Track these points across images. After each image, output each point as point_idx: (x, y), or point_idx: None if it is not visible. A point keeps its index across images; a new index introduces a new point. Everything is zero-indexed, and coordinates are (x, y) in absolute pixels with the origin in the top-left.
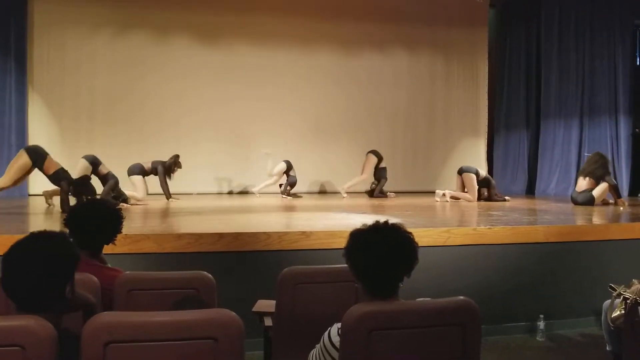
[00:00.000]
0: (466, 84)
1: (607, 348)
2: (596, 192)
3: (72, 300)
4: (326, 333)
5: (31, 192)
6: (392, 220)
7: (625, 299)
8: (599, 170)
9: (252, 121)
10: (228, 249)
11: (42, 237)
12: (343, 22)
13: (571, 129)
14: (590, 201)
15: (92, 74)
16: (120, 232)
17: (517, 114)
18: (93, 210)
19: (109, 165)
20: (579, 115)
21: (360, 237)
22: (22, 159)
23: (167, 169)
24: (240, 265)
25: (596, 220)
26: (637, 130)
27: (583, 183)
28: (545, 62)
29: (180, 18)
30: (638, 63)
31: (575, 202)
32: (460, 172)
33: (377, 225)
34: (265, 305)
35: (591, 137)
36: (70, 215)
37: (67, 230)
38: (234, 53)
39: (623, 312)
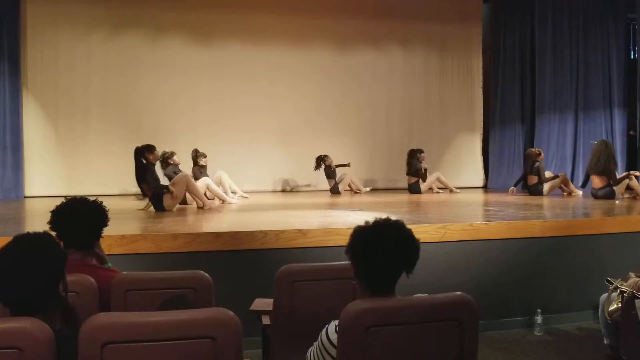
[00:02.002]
0: (461, 80)
1: (605, 341)
2: (617, 186)
3: (65, 300)
4: (324, 330)
5: (27, 194)
6: (392, 217)
7: (622, 292)
8: (608, 165)
9: (249, 118)
10: (225, 248)
11: (25, 240)
12: (337, 19)
13: (566, 123)
14: (611, 195)
15: (86, 75)
16: (107, 225)
17: (512, 108)
18: (75, 209)
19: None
20: (573, 109)
21: (363, 234)
22: None
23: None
24: (237, 264)
25: (592, 214)
26: (631, 132)
27: (597, 180)
28: (539, 57)
29: (174, 17)
30: (632, 57)
31: (596, 197)
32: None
33: (380, 222)
34: (263, 303)
35: (586, 131)
36: (54, 219)
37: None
38: (228, 50)
39: (620, 305)
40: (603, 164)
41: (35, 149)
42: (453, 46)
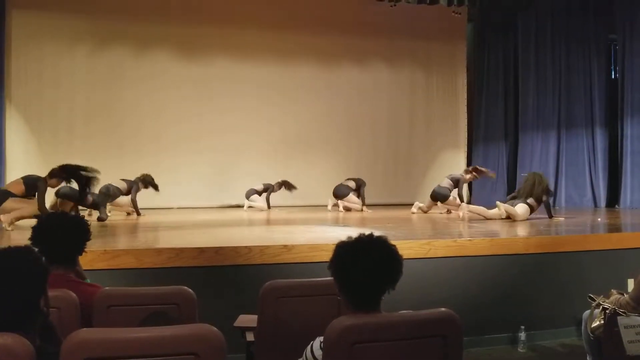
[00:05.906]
0: (445, 97)
1: (588, 358)
2: (520, 210)
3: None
4: (308, 347)
5: None
6: (376, 233)
7: (604, 309)
8: (537, 190)
9: (233, 134)
10: (209, 263)
11: (6, 254)
12: (323, 36)
13: (549, 141)
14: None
15: (70, 88)
16: (89, 239)
17: (496, 126)
18: (57, 224)
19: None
20: (556, 127)
21: (346, 250)
22: None
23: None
24: (221, 280)
25: (575, 231)
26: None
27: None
28: (522, 75)
29: (160, 31)
30: (613, 76)
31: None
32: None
33: (363, 238)
34: (247, 320)
35: (568, 149)
36: (35, 235)
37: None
38: (214, 66)
39: (602, 322)
40: (534, 189)
41: (17, 162)
42: (438, 64)
